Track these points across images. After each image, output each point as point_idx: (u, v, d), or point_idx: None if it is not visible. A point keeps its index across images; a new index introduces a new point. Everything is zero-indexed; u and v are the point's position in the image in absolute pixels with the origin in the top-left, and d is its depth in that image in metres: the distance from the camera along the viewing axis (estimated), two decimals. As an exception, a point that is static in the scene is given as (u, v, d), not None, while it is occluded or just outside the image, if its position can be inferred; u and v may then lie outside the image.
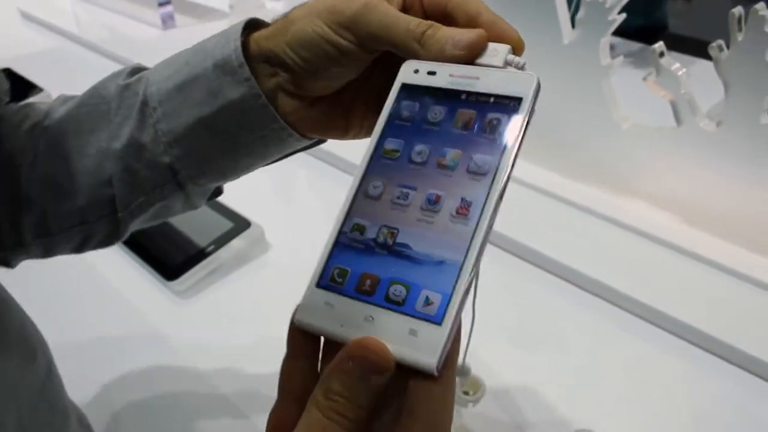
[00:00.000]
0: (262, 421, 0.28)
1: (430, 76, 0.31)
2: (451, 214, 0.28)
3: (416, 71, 0.32)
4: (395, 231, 0.28)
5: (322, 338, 0.28)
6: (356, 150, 0.32)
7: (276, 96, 0.37)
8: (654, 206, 0.75)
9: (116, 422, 0.59)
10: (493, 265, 0.74)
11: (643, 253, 0.71)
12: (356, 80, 0.37)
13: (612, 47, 0.73)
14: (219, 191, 0.45)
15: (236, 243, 0.73)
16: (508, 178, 0.28)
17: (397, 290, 0.27)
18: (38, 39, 1.46)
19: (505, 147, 0.28)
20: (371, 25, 0.33)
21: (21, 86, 1.16)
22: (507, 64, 0.31)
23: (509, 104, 0.29)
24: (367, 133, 0.39)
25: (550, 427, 0.54)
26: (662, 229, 0.72)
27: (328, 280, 0.28)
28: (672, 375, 0.60)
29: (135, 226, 0.43)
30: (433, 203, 0.28)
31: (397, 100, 0.31)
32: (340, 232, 0.29)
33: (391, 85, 0.32)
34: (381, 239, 0.28)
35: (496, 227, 0.84)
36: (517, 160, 0.28)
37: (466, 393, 0.53)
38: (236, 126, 0.37)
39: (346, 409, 0.25)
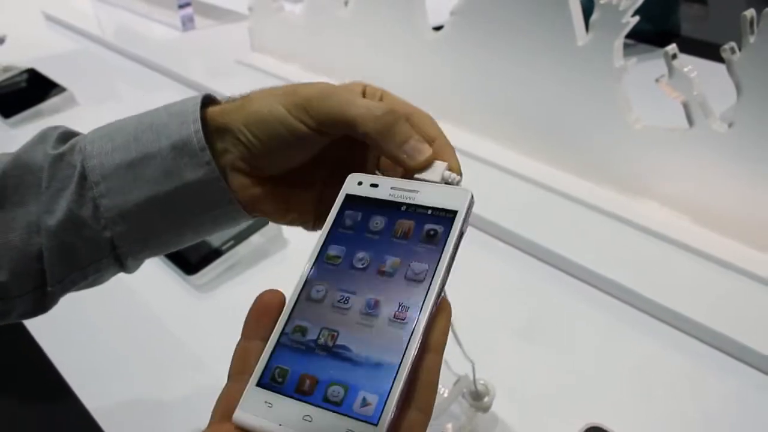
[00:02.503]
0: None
1: (373, 188, 0.33)
2: (389, 318, 0.29)
3: (360, 183, 0.34)
4: (335, 333, 0.29)
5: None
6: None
7: (226, 173, 0.37)
8: (665, 206, 0.76)
9: (131, 411, 0.60)
10: (505, 262, 0.76)
11: (654, 251, 0.72)
12: (303, 165, 0.38)
13: (625, 49, 0.74)
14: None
15: (255, 239, 0.75)
16: (443, 283, 0.29)
17: (336, 391, 0.27)
18: (61, 40, 1.49)
19: (440, 256, 0.30)
20: (330, 106, 0.34)
21: (44, 86, 1.18)
22: (444, 180, 0.34)
23: (445, 216, 0.31)
24: (301, 220, 0.39)
25: (561, 423, 0.55)
26: (673, 229, 0.73)
27: (268, 379, 0.29)
28: (683, 372, 0.61)
29: (62, 296, 0.40)
30: (372, 307, 0.29)
31: (341, 209, 0.33)
32: (282, 333, 0.30)
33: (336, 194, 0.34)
34: (321, 341, 0.29)
35: (511, 226, 0.84)
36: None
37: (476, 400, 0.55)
38: (189, 206, 0.36)
39: None
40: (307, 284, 0.31)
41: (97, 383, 0.63)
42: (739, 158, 0.68)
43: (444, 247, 0.30)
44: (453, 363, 0.56)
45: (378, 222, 0.32)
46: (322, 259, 0.32)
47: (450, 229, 0.31)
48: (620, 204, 0.78)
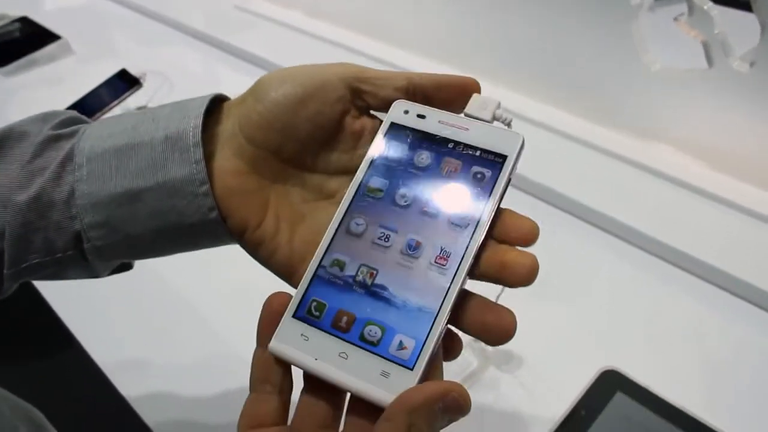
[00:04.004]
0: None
1: (420, 120, 0.31)
2: (430, 261, 0.28)
3: (406, 112, 0.32)
4: (375, 271, 0.28)
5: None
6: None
7: (214, 168, 0.33)
8: (681, 150, 0.74)
9: (136, 359, 0.60)
10: (516, 207, 0.74)
11: (670, 196, 0.71)
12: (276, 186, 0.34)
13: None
14: (128, 266, 0.40)
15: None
16: (488, 231, 0.28)
17: (373, 331, 0.27)
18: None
19: (487, 201, 0.29)
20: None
21: (38, 34, 1.15)
22: (495, 118, 0.32)
23: (494, 159, 0.30)
24: (269, 232, 0.34)
25: (575, 365, 0.54)
26: (689, 174, 0.71)
27: (305, 312, 0.28)
28: (696, 315, 0.60)
29: (18, 285, 0.37)
30: (413, 249, 0.28)
31: (386, 138, 0.31)
32: (320, 266, 0.29)
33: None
34: (360, 278, 0.28)
35: (525, 172, 0.82)
36: (519, 161, 0.30)
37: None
38: (167, 208, 0.33)
39: None
40: (347, 215, 0.30)
41: (102, 333, 0.62)
42: (761, 99, 0.65)
43: (491, 192, 0.29)
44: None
45: (423, 157, 0.31)
46: (363, 190, 0.31)
47: (498, 175, 0.29)
48: (635, 148, 0.76)
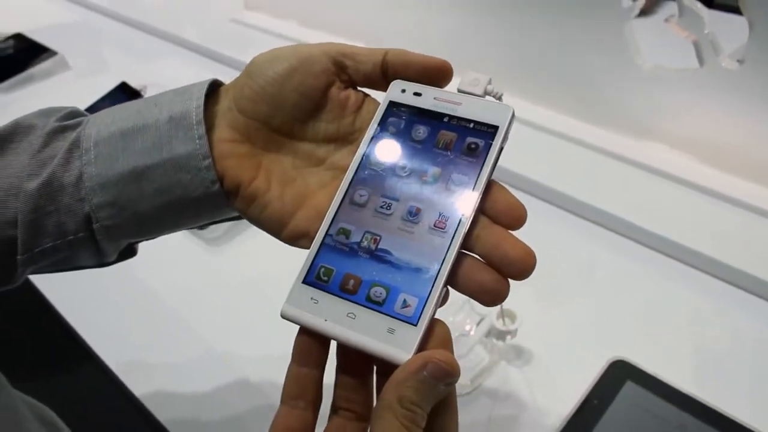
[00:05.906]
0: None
1: (416, 97, 0.34)
2: (429, 226, 0.30)
3: (403, 91, 0.34)
4: (378, 237, 0.31)
5: (335, 345, 0.30)
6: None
7: (213, 139, 0.35)
8: (675, 148, 0.76)
9: (145, 368, 0.60)
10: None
11: (665, 192, 0.73)
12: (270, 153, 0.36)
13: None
14: (133, 251, 0.42)
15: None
16: (482, 196, 0.31)
17: (378, 291, 0.29)
18: (47, 6, 1.45)
19: (481, 169, 0.31)
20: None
21: (34, 50, 1.15)
22: (486, 93, 0.34)
23: (487, 130, 0.32)
24: (261, 189, 0.35)
25: (583, 358, 0.55)
26: (683, 170, 0.73)
27: (314, 277, 0.31)
28: (693, 304, 0.62)
29: (30, 272, 0.39)
30: (413, 215, 0.31)
31: (385, 115, 0.34)
32: (327, 234, 0.31)
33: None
34: (364, 244, 0.31)
35: (522, 170, 0.84)
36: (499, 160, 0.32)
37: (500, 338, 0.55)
38: (171, 183, 0.35)
39: (421, 418, 0.27)
40: (350, 188, 0.32)
41: (108, 331, 0.63)
42: (749, 96, 0.68)
43: (485, 160, 0.31)
44: (476, 303, 0.56)
45: (421, 131, 0.33)
46: (365, 164, 0.33)
47: (491, 144, 0.32)
48: (630, 146, 0.78)
